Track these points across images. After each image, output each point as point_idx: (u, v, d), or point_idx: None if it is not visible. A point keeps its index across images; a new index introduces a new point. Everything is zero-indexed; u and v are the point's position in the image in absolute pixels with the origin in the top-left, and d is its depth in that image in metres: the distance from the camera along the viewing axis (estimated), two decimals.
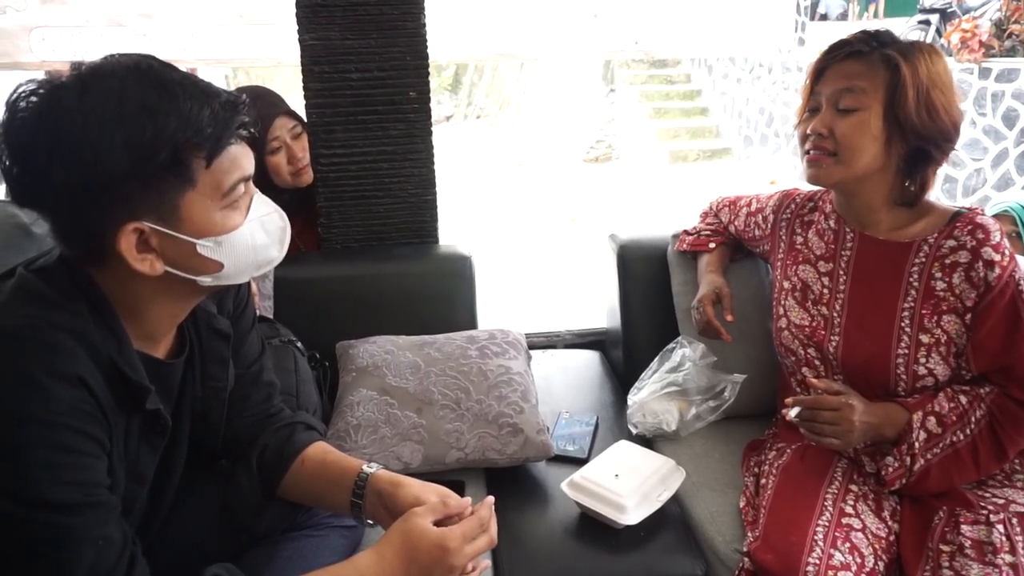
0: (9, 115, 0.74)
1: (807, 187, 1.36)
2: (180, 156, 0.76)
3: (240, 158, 0.82)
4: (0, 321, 0.75)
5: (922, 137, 1.15)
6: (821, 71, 1.22)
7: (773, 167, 7.76)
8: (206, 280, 0.84)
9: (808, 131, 1.21)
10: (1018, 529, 1.06)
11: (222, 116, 0.78)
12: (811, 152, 1.20)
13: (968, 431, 1.14)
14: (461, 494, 0.92)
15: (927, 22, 6.26)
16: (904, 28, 6.51)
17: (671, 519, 1.31)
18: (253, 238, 0.85)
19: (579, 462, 1.44)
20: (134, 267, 0.78)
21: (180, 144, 0.75)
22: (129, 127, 0.73)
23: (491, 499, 0.91)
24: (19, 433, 0.70)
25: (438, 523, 0.87)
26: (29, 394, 0.71)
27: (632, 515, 1.24)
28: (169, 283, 0.82)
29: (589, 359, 1.96)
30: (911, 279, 1.20)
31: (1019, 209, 2.12)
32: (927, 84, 1.13)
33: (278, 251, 0.91)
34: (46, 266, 0.81)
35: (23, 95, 0.74)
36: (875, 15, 6.84)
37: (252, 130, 0.83)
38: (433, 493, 0.92)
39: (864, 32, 1.21)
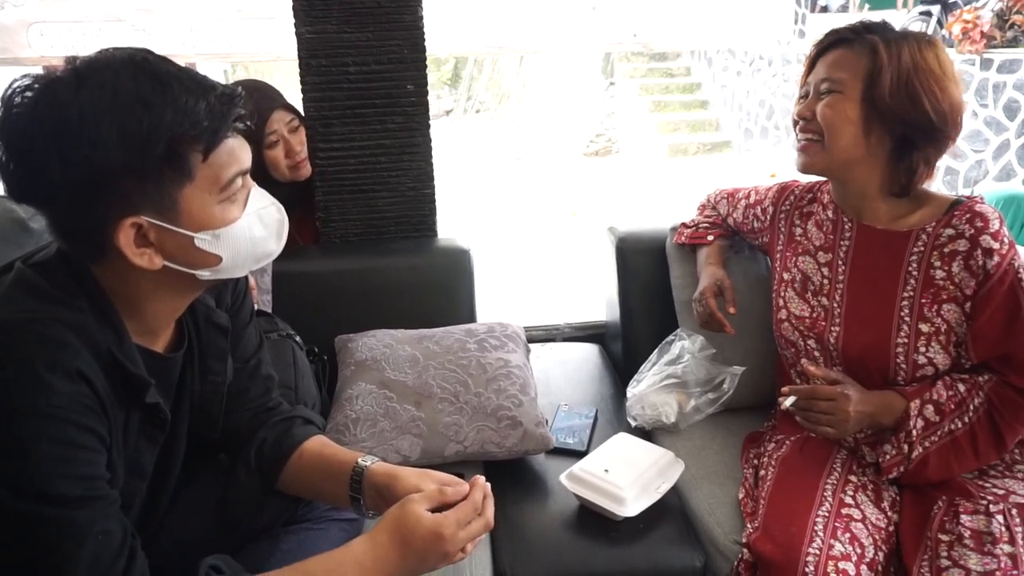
0: (5, 110, 0.74)
1: (806, 179, 1.36)
2: (176, 149, 0.76)
3: (237, 151, 0.82)
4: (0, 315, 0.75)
5: (903, 123, 1.15)
6: (814, 61, 1.25)
7: (773, 160, 7.74)
8: (205, 274, 0.84)
9: (795, 116, 1.24)
10: (1017, 520, 1.06)
11: (218, 109, 0.78)
12: (800, 138, 1.24)
13: (967, 419, 1.14)
14: None
15: (928, 13, 6.24)
16: (905, 19, 6.49)
17: (670, 511, 1.32)
18: (251, 231, 0.85)
19: (578, 455, 1.44)
20: (133, 261, 0.78)
21: (176, 137, 0.75)
22: (124, 120, 0.72)
23: (482, 479, 0.89)
24: (21, 427, 0.70)
25: (434, 509, 0.86)
26: (31, 388, 0.71)
27: (631, 507, 1.24)
28: (168, 277, 0.82)
29: (588, 352, 1.96)
30: (910, 268, 1.20)
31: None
32: (908, 70, 1.13)
33: (276, 244, 0.91)
34: (44, 261, 0.81)
35: (18, 90, 0.74)
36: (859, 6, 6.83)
37: (249, 123, 0.83)
38: (431, 480, 0.91)
39: (859, 22, 1.22)
